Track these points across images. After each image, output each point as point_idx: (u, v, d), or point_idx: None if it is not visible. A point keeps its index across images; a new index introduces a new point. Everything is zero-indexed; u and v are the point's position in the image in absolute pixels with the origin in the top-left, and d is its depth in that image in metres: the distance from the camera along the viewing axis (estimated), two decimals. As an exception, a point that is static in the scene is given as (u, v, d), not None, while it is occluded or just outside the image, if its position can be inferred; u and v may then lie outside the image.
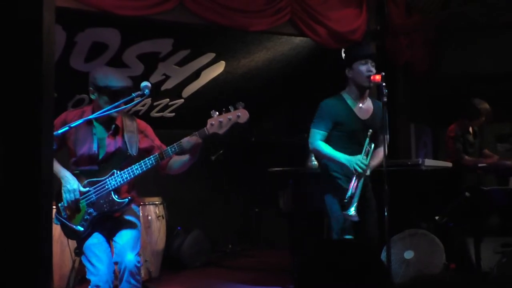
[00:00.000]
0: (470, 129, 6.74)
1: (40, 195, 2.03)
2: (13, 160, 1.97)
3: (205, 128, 3.72)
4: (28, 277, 1.96)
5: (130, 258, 3.72)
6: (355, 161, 4.19)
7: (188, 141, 3.73)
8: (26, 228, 1.98)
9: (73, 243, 5.74)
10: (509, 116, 6.49)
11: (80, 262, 5.71)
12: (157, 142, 4.04)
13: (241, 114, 3.71)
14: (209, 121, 3.71)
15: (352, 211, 4.07)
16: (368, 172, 4.27)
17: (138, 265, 3.78)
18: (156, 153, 3.79)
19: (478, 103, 6.55)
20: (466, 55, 8.18)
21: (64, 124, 3.72)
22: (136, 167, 3.77)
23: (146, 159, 3.77)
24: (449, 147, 6.72)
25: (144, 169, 3.77)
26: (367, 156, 4.27)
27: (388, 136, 4.36)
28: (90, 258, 3.75)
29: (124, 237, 3.81)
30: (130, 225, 3.90)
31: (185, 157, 3.88)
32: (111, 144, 3.89)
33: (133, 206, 4.03)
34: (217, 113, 3.71)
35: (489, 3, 7.72)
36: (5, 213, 1.95)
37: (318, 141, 4.38)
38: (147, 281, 5.76)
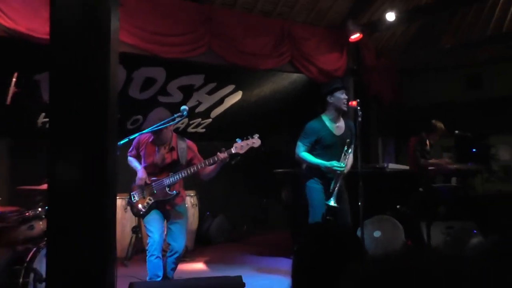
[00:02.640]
0: (427, 142, 6.66)
1: (107, 189, 2.07)
2: (88, 163, 2.01)
3: (231, 148, 4.04)
4: (100, 248, 2.00)
5: (181, 245, 4.12)
6: (332, 165, 4.25)
7: (220, 155, 4.01)
8: (98, 213, 2.02)
9: (130, 224, 5.80)
10: (451, 132, 6.44)
11: (136, 238, 5.75)
12: (199, 156, 4.29)
13: (255, 142, 4.10)
14: (235, 145, 4.06)
15: (332, 201, 4.20)
16: (344, 171, 4.31)
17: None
18: (198, 164, 4.09)
19: (435, 122, 6.49)
20: (419, 88, 8.21)
21: (138, 141, 4.21)
22: (184, 171, 4.08)
23: (191, 167, 4.09)
24: (410, 153, 6.65)
25: (190, 173, 4.08)
26: (344, 159, 4.34)
27: (358, 146, 4.43)
28: (149, 226, 4.12)
29: (179, 227, 4.16)
30: (183, 218, 4.25)
31: (211, 168, 4.15)
32: (169, 157, 4.17)
33: (183, 203, 4.32)
34: (241, 140, 4.06)
35: (437, 49, 7.72)
36: (84, 203, 1.99)
37: (303, 152, 4.42)
38: (184, 253, 5.77)
